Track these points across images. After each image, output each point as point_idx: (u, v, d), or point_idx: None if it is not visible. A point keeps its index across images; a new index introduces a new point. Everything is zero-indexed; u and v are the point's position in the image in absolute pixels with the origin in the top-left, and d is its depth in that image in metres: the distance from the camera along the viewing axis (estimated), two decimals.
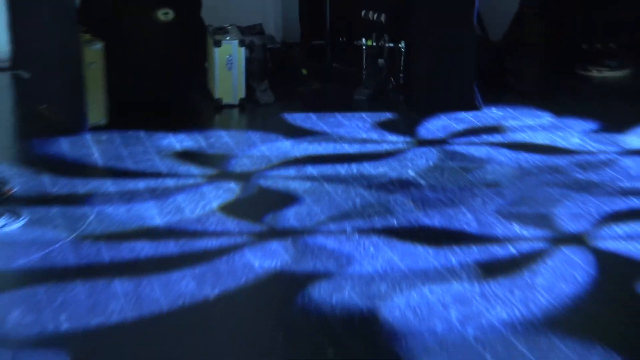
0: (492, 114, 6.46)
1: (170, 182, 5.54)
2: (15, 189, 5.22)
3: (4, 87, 7.09)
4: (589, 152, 5.92)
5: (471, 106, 6.56)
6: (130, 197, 5.31)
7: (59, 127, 6.08)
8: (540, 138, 6.16)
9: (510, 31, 7.62)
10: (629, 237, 4.85)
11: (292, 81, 7.33)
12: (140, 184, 5.48)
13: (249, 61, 6.72)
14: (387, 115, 6.46)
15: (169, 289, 4.30)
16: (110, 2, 6.54)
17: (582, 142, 6.05)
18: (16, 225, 4.85)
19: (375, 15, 6.53)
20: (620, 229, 4.92)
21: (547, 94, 6.66)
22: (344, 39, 6.92)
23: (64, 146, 5.91)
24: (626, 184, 5.57)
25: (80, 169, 5.69)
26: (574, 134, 6.19)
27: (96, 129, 6.26)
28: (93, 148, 5.89)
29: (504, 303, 4.20)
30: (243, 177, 5.65)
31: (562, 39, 7.36)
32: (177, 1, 6.45)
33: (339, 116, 6.35)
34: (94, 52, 6.21)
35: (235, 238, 4.83)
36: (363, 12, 6.61)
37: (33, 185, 5.43)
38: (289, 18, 7.72)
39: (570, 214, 5.06)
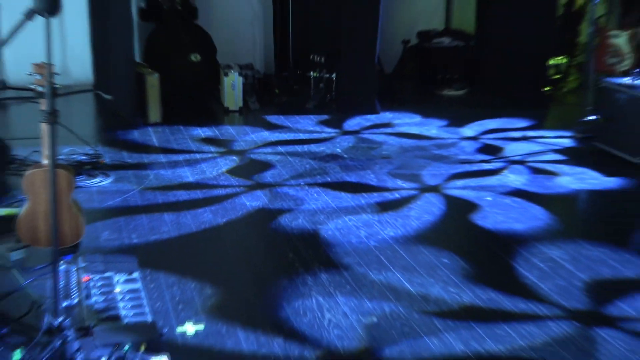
0: (385, 116, 6.68)
1: (197, 156, 5.76)
2: (105, 160, 5.53)
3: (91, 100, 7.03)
4: (442, 138, 6.26)
5: (373, 111, 6.78)
6: (174, 164, 5.55)
7: (131, 123, 6.29)
8: (414, 130, 6.47)
9: (397, 66, 7.68)
10: (464, 188, 5.21)
11: (270, 97, 7.36)
12: (180, 157, 5.73)
13: (244, 85, 6.83)
14: (325, 117, 6.65)
15: (196, 219, 4.67)
16: (162, 50, 6.62)
17: (437, 132, 6.42)
18: (106, 182, 5.17)
19: (318, 58, 6.82)
20: (459, 182, 5.31)
21: (418, 104, 6.95)
22: (300, 71, 7.10)
23: (134, 135, 6.15)
24: (462, 157, 5.89)
25: (144, 148, 5.92)
26: (433, 128, 6.52)
27: (154, 124, 6.49)
28: (152, 136, 6.10)
29: (392, 226, 4.59)
30: (240, 153, 5.87)
31: (426, 72, 7.60)
32: (202, 49, 6.61)
33: (297, 117, 6.51)
34: (153, 79, 6.38)
35: (235, 189, 5.15)
36: (311, 56, 6.87)
37: (116, 158, 5.65)
38: (268, 58, 7.60)
39: (431, 174, 5.45)
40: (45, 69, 2.97)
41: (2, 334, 3.19)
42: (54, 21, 2.81)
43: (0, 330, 3.20)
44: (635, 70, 5.71)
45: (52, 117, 2.94)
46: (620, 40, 7.22)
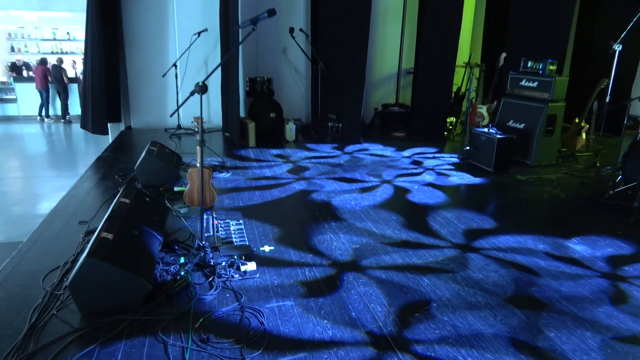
0: (365, 145, 6.56)
1: (272, 163, 5.60)
2: (227, 164, 5.48)
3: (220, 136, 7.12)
4: (393, 157, 6.01)
5: (359, 142, 6.59)
6: (260, 167, 5.42)
7: (239, 146, 6.27)
8: (379, 152, 6.20)
9: (371, 121, 7.57)
10: (404, 181, 5.06)
11: (308, 134, 7.02)
12: (264, 164, 5.57)
13: (296, 128, 6.72)
14: (335, 145, 6.45)
15: (271, 194, 4.57)
16: (256, 110, 6.56)
17: (391, 154, 6.14)
18: (227, 175, 5.09)
19: (332, 115, 6.73)
20: (401, 179, 5.15)
21: (381, 140, 6.80)
22: (324, 122, 6.90)
23: (242, 152, 6.04)
24: (402, 165, 5.70)
25: (246, 159, 5.75)
26: (389, 151, 6.26)
27: (251, 147, 6.30)
28: (250, 153, 6.02)
29: (367, 199, 4.48)
30: (293, 162, 5.67)
31: (386, 124, 7.49)
32: (276, 111, 6.55)
33: (321, 145, 6.41)
34: (251, 125, 6.31)
35: (290, 180, 5.01)
36: (329, 114, 6.75)
37: (232, 163, 5.52)
38: (308, 115, 7.44)
39: (387, 174, 5.29)
40: (199, 119, 3.02)
41: (175, 248, 3.22)
42: (204, 96, 2.85)
43: (174, 247, 3.23)
44: (489, 126, 5.62)
45: (202, 143, 2.99)
46: (482, 109, 7.17)
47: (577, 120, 6.32)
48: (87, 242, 2.76)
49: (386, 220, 4.01)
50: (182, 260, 3.02)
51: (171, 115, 3.60)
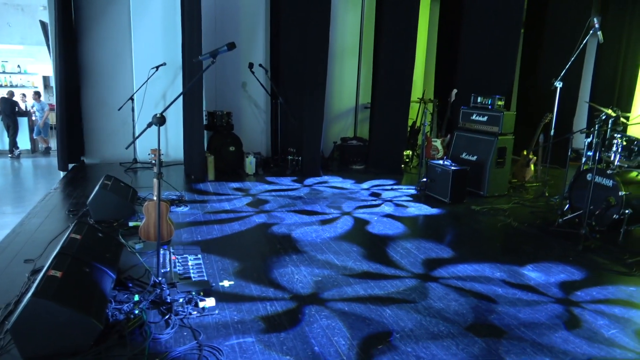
0: (325, 178, 6.56)
1: (231, 197, 5.50)
2: (185, 197, 5.36)
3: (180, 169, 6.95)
4: (351, 189, 6.03)
5: (318, 175, 6.61)
6: (219, 200, 5.31)
7: (197, 179, 6.14)
8: (338, 184, 6.22)
9: (330, 154, 7.59)
10: (363, 213, 5.08)
11: (268, 168, 6.99)
12: (223, 197, 5.47)
13: (255, 162, 6.68)
14: (295, 178, 6.43)
15: (230, 227, 4.46)
16: (216, 144, 6.46)
17: (350, 186, 6.17)
18: (185, 209, 4.95)
19: (292, 149, 6.75)
20: (361, 210, 5.17)
21: (340, 172, 6.85)
22: (284, 155, 6.93)
23: (200, 186, 5.92)
24: (361, 197, 5.73)
25: (205, 192, 5.63)
26: (348, 184, 6.29)
27: (210, 181, 6.20)
28: (209, 186, 5.91)
29: (327, 231, 4.45)
30: (253, 195, 5.60)
31: (345, 157, 7.55)
32: (235, 144, 6.50)
33: (282, 178, 6.38)
34: (211, 158, 6.22)
35: (250, 213, 4.93)
36: (289, 148, 6.78)
37: (191, 197, 5.40)
38: (268, 148, 7.43)
39: (347, 206, 5.30)
40: (156, 151, 2.94)
41: (129, 286, 3.07)
42: (162, 129, 2.79)
43: (128, 284, 3.08)
44: (444, 158, 5.79)
45: (159, 175, 2.90)
46: (437, 143, 7.38)
47: (525, 153, 6.61)
48: (33, 282, 2.59)
49: (347, 251, 3.98)
50: (136, 298, 2.87)
51: (127, 148, 3.48)
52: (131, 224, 4.24)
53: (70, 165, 6.53)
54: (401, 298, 3.17)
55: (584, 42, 5.35)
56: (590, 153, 5.02)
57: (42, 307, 2.22)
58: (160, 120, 2.78)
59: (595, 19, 5.09)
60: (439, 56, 8.42)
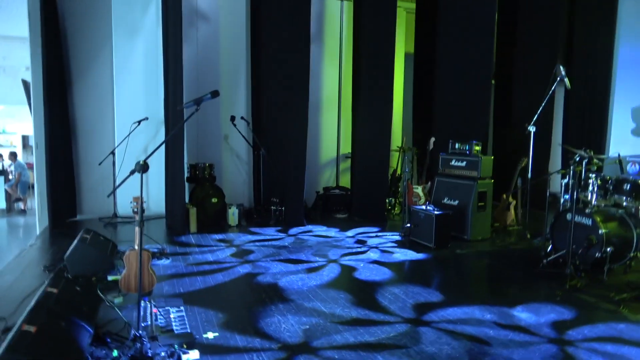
0: (309, 227, 6.51)
1: (214, 248, 5.41)
2: (167, 250, 5.25)
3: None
4: (336, 237, 5.99)
5: (302, 224, 6.55)
6: (202, 252, 5.21)
7: (180, 232, 6.03)
8: (323, 233, 6.17)
9: (313, 204, 7.62)
10: (349, 260, 5.04)
11: (252, 219, 6.98)
12: (205, 249, 5.36)
13: (239, 213, 6.65)
14: (279, 228, 6.35)
15: (214, 279, 4.38)
16: (198, 196, 6.46)
17: (334, 234, 6.13)
18: (167, 261, 4.86)
19: (275, 199, 6.74)
20: (347, 258, 5.13)
21: (324, 221, 6.80)
22: (267, 206, 6.90)
23: (182, 238, 5.81)
24: (347, 244, 5.71)
25: (187, 244, 5.52)
26: (332, 232, 6.24)
27: (192, 233, 6.09)
28: (191, 238, 5.81)
29: (314, 279, 4.40)
30: (237, 246, 5.52)
31: (328, 206, 7.55)
32: (218, 196, 6.54)
33: (265, 229, 6.27)
34: (193, 210, 6.17)
35: (234, 264, 4.84)
36: (272, 198, 6.76)
37: (172, 249, 5.29)
38: (251, 199, 7.42)
39: (333, 253, 5.26)
40: (138, 199, 2.90)
41: (107, 341, 2.92)
42: (144, 181, 2.77)
43: (106, 339, 2.93)
44: (426, 203, 5.83)
45: (142, 223, 2.84)
46: (418, 189, 7.46)
47: (504, 197, 6.72)
48: (4, 339, 2.43)
49: (335, 299, 3.91)
50: (115, 353, 2.73)
51: (108, 196, 3.42)
52: (110, 278, 4.10)
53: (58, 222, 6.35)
54: (392, 343, 3.09)
55: (552, 89, 5.62)
56: (567, 196, 5.16)
57: None
58: (143, 167, 2.75)
59: (560, 67, 5.38)
60: (416, 106, 8.66)
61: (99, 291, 3.64)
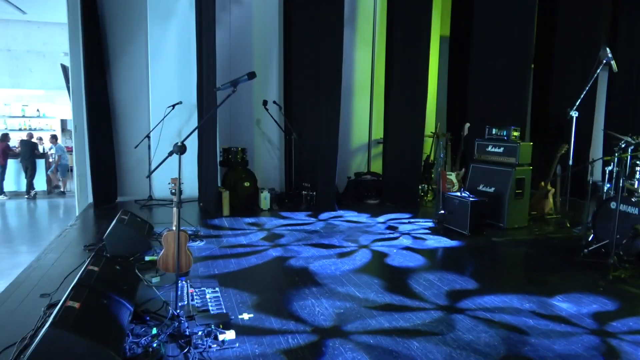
0: (340, 212, 6.46)
1: (247, 231, 5.45)
2: (201, 232, 5.32)
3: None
4: (367, 223, 5.94)
5: (334, 210, 6.52)
6: (235, 235, 5.26)
7: (213, 215, 6.10)
8: (354, 219, 6.13)
9: (345, 190, 7.56)
10: (381, 246, 4.99)
11: (283, 203, 6.97)
12: (238, 232, 5.40)
13: (270, 197, 6.72)
14: (310, 213, 6.35)
15: (247, 261, 4.40)
16: (231, 180, 6.51)
17: (365, 220, 6.09)
18: (201, 244, 4.90)
19: (307, 184, 6.73)
20: (379, 243, 5.07)
21: (355, 207, 6.76)
22: (298, 190, 6.89)
23: (215, 221, 5.87)
24: (378, 230, 5.65)
25: (220, 227, 5.57)
26: (363, 218, 6.19)
27: (225, 216, 6.15)
28: (224, 221, 5.86)
29: (346, 264, 4.36)
30: (268, 230, 5.54)
31: (359, 192, 7.51)
32: (250, 180, 6.56)
33: (296, 213, 6.29)
34: (226, 194, 6.24)
35: (266, 247, 4.86)
36: (303, 183, 6.76)
37: (206, 232, 5.35)
38: (282, 184, 7.43)
39: (365, 239, 5.21)
40: (176, 180, 2.93)
41: (146, 319, 2.98)
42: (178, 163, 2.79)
43: (145, 318, 2.99)
44: (461, 190, 5.72)
45: (179, 204, 2.88)
46: (452, 176, 7.29)
47: (542, 184, 6.51)
48: (49, 315, 2.51)
49: (368, 284, 3.88)
50: (154, 331, 2.78)
51: (147, 177, 3.48)
52: (147, 258, 4.19)
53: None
54: (428, 330, 3.04)
55: (597, 72, 5.36)
56: (610, 184, 4.96)
57: (60, 338, 2.15)
58: (181, 149, 2.77)
59: (607, 49, 5.12)
60: (451, 91, 8.48)
61: (137, 271, 3.69)
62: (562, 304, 3.54)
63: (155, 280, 3.71)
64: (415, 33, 6.87)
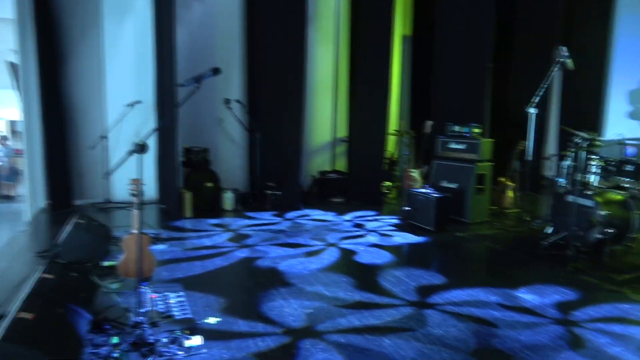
0: (305, 211, 6.41)
1: (211, 232, 5.31)
2: (163, 235, 5.12)
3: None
4: (333, 221, 5.93)
5: (299, 209, 6.46)
6: (199, 237, 5.11)
7: (175, 217, 5.91)
8: (319, 217, 6.10)
9: (310, 188, 7.56)
10: (348, 244, 4.97)
11: (247, 203, 6.73)
12: (202, 234, 5.26)
13: (234, 197, 6.61)
14: (275, 212, 6.25)
15: (212, 263, 4.28)
16: (193, 180, 6.34)
17: (331, 218, 6.08)
18: (163, 247, 4.74)
19: (272, 184, 6.65)
20: (346, 241, 5.06)
21: (320, 205, 6.73)
22: (263, 190, 6.81)
23: (177, 223, 5.68)
24: (344, 228, 5.64)
25: (183, 229, 5.40)
26: (329, 216, 6.17)
27: (188, 218, 5.94)
28: (187, 223, 5.68)
29: (314, 263, 4.32)
30: (233, 231, 5.41)
31: (324, 190, 7.45)
32: (213, 181, 6.41)
33: (262, 213, 6.16)
34: (188, 195, 6.03)
35: (232, 248, 4.74)
36: (268, 183, 6.68)
37: (168, 235, 5.17)
38: (246, 184, 7.28)
39: (332, 238, 5.17)
40: (137, 181, 2.80)
41: (106, 328, 2.83)
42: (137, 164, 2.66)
43: (105, 327, 2.85)
44: (424, 187, 5.78)
45: (141, 206, 2.75)
46: (415, 173, 7.37)
47: (502, 180, 6.66)
48: None
49: (337, 282, 3.84)
50: (115, 340, 2.65)
51: (104, 178, 3.31)
52: (106, 263, 4.00)
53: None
54: (398, 327, 3.05)
55: (553, 70, 5.51)
56: (562, 179, 5.11)
57: (11, 353, 1.99)
58: (141, 148, 2.64)
59: (563, 48, 5.27)
60: (413, 90, 8.58)
61: (95, 277, 3.51)
62: (526, 296, 3.63)
63: (115, 286, 3.55)
64: (377, 31, 6.90)
